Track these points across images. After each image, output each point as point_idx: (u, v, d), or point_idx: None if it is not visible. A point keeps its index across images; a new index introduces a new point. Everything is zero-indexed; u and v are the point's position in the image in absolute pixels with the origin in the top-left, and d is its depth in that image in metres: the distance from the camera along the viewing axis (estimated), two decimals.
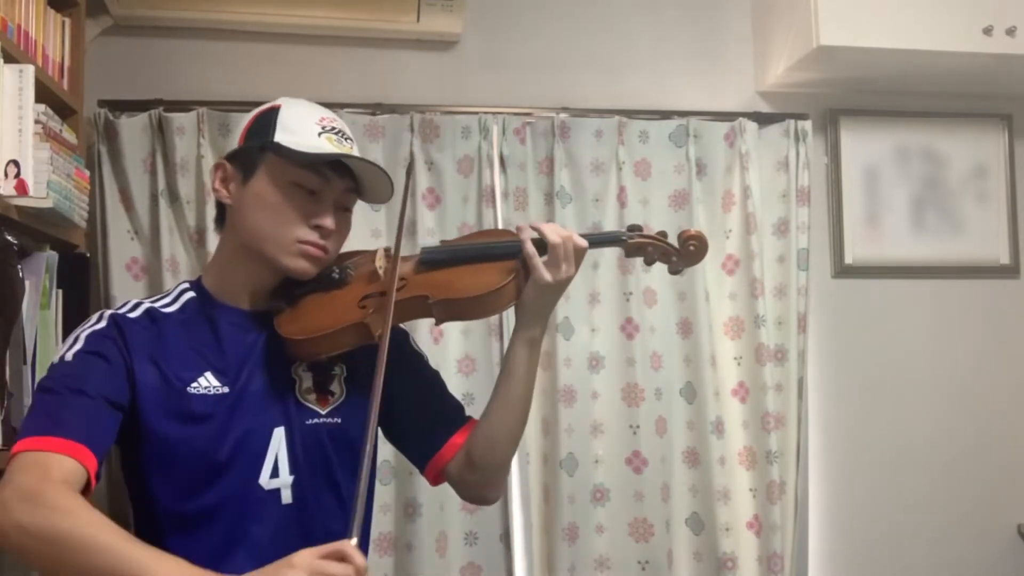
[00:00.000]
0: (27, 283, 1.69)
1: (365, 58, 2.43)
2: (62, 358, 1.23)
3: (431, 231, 2.29)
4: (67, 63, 2.00)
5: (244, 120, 1.36)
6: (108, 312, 1.29)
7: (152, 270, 2.25)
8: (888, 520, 2.56)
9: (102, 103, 2.23)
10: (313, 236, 1.29)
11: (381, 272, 1.35)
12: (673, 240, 1.41)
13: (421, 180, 2.32)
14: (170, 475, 1.23)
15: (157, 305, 1.32)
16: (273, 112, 1.32)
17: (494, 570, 2.28)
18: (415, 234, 2.28)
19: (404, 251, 1.37)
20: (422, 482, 2.18)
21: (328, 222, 1.29)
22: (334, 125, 1.33)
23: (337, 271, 1.34)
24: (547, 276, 1.31)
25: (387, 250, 1.41)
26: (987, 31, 2.29)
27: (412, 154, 2.31)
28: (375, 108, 2.34)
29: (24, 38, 1.78)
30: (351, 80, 2.40)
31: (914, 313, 2.62)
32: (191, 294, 1.35)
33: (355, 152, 1.33)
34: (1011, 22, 2.30)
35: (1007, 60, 2.35)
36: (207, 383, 1.26)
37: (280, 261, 1.29)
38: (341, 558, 1.03)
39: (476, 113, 2.36)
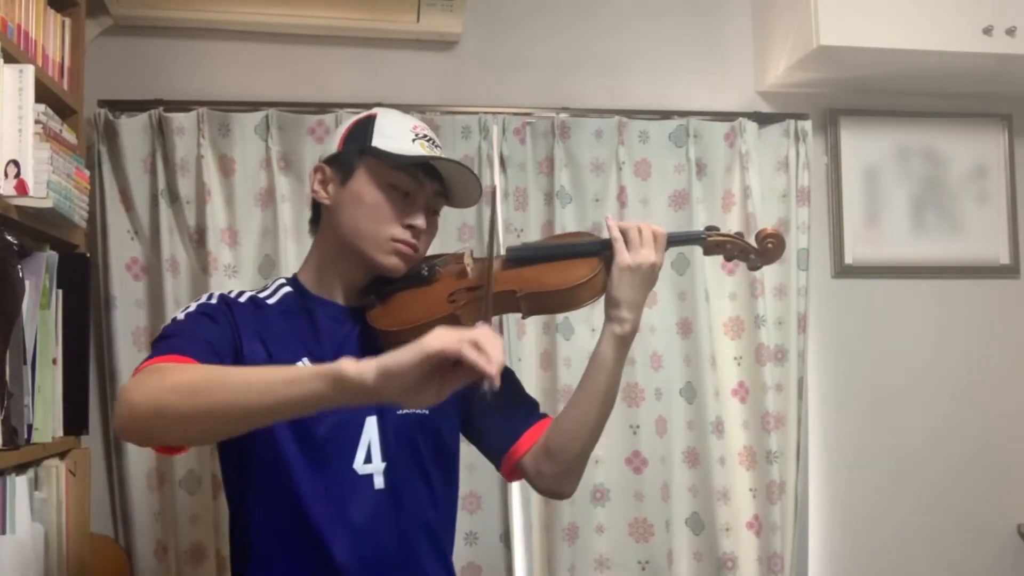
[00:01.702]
0: (27, 283, 1.69)
1: (365, 58, 2.43)
2: (175, 319, 1.33)
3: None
4: (67, 63, 1.99)
5: (341, 128, 1.46)
6: (218, 293, 1.40)
7: (152, 270, 2.25)
8: (888, 520, 2.56)
9: (102, 103, 2.23)
10: (406, 235, 1.39)
11: (469, 270, 1.44)
12: (751, 239, 1.49)
13: None
14: (271, 455, 1.30)
15: (260, 296, 1.43)
16: (371, 120, 1.43)
17: (494, 570, 2.28)
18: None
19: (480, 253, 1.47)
20: None
21: (420, 222, 1.40)
22: (426, 133, 1.44)
23: (426, 269, 1.44)
24: (627, 258, 1.37)
25: (471, 251, 1.50)
26: (987, 31, 2.29)
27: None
28: (375, 108, 2.33)
29: (24, 38, 1.77)
30: (351, 80, 2.40)
31: (914, 313, 2.62)
32: (288, 288, 1.45)
33: (442, 157, 1.43)
34: (1011, 22, 2.29)
35: (1007, 60, 2.35)
36: (305, 367, 1.32)
37: (374, 258, 1.39)
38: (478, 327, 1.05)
39: (476, 113, 2.36)
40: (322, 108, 2.30)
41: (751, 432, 2.40)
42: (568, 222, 2.35)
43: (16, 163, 1.63)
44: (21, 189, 1.63)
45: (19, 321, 1.66)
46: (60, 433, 1.84)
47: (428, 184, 1.41)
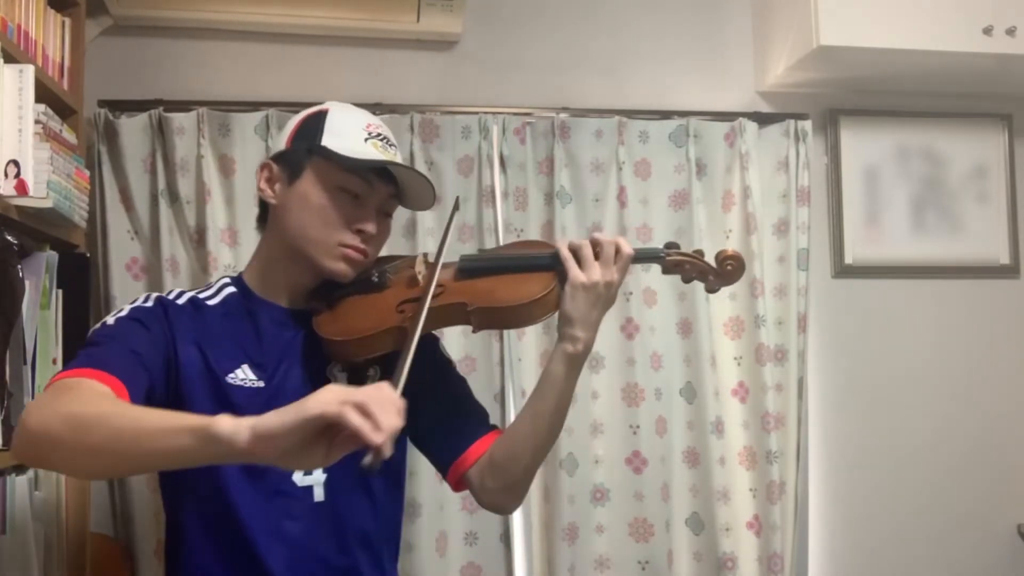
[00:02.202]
0: (27, 283, 1.69)
1: (365, 58, 2.43)
2: (104, 323, 1.26)
3: (431, 231, 2.28)
4: (67, 63, 1.99)
5: (291, 123, 1.38)
6: (155, 295, 1.34)
7: (152, 270, 2.25)
8: (888, 520, 2.56)
9: (102, 103, 2.23)
10: (355, 240, 1.32)
11: (420, 278, 1.37)
12: (710, 259, 1.41)
13: None
14: (206, 467, 1.22)
15: (200, 296, 1.36)
16: (321, 116, 1.35)
17: (494, 570, 2.28)
18: (415, 234, 2.28)
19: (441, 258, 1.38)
20: (422, 482, 2.20)
21: (370, 227, 1.33)
22: (380, 131, 1.36)
23: (376, 275, 1.37)
24: (580, 276, 1.31)
25: (425, 256, 1.44)
26: (987, 31, 2.29)
27: (412, 153, 2.31)
28: (375, 108, 2.33)
29: (24, 38, 1.77)
30: (351, 80, 2.40)
31: (914, 313, 2.62)
32: (232, 289, 1.39)
33: (399, 159, 1.37)
34: (1011, 22, 2.29)
35: (1007, 60, 2.35)
36: (244, 375, 1.29)
37: (321, 262, 1.32)
38: (375, 388, 0.98)
39: (476, 113, 2.36)
40: None
41: (751, 432, 2.40)
42: (568, 222, 2.35)
43: (16, 163, 1.63)
44: (21, 189, 1.63)
45: (19, 321, 1.66)
46: None
47: (380, 187, 1.34)
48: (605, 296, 1.33)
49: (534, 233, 2.37)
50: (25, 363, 1.69)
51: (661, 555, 2.31)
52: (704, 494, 2.36)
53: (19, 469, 1.68)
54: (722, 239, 2.43)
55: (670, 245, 1.43)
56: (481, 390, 2.25)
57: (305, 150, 1.33)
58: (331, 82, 2.39)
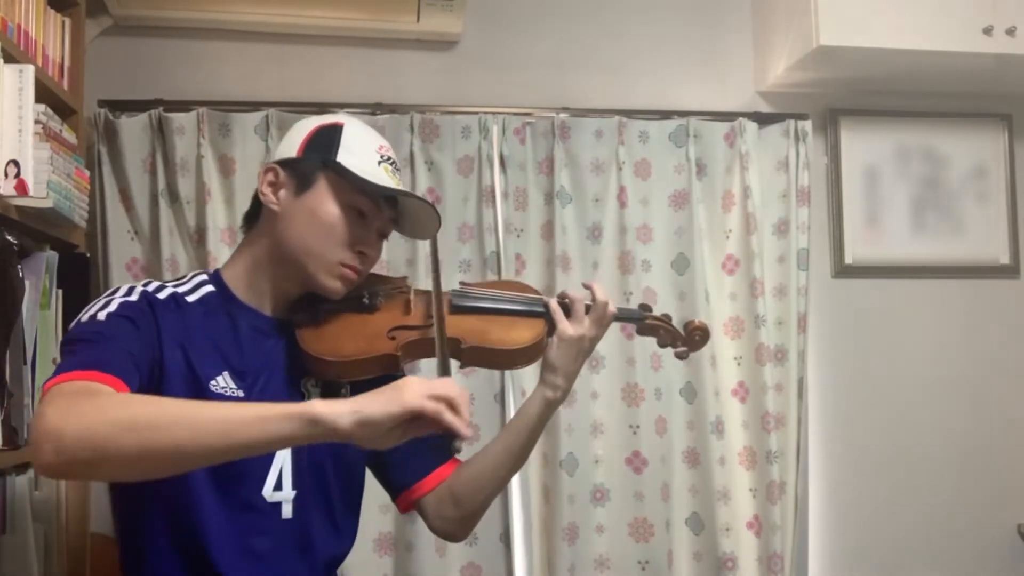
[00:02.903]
0: (27, 283, 1.69)
1: (365, 58, 2.43)
2: (92, 316, 1.21)
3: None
4: (67, 63, 1.99)
5: (299, 130, 1.35)
6: (138, 287, 1.27)
7: (152, 270, 2.25)
8: (888, 520, 2.56)
9: (102, 103, 2.23)
10: (355, 261, 1.30)
11: (413, 307, 1.37)
12: (678, 326, 1.52)
13: (421, 180, 2.32)
14: (176, 477, 1.19)
15: (179, 291, 1.30)
16: (336, 130, 1.33)
17: (494, 570, 2.28)
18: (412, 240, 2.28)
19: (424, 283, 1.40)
20: None
21: (373, 250, 1.33)
22: (390, 155, 1.36)
23: (367, 296, 1.35)
24: (570, 330, 1.36)
25: (407, 279, 1.44)
26: (987, 31, 2.29)
27: (412, 153, 2.31)
28: (375, 108, 2.34)
29: (24, 38, 1.77)
30: (351, 80, 2.40)
31: (914, 313, 2.62)
32: (210, 287, 1.33)
33: (403, 186, 1.36)
34: (1011, 22, 2.29)
35: (1007, 60, 2.35)
36: (225, 383, 1.25)
37: (316, 277, 1.30)
38: (446, 383, 1.07)
39: (476, 113, 2.36)
40: (322, 108, 2.29)
41: (751, 432, 2.40)
42: (568, 222, 2.35)
43: (16, 163, 1.63)
44: (21, 189, 1.63)
45: (19, 321, 1.66)
46: None
47: (386, 211, 1.33)
48: (588, 349, 1.39)
49: (534, 233, 2.37)
50: (25, 363, 1.69)
51: (661, 555, 2.31)
52: (704, 494, 2.36)
53: (19, 469, 1.69)
54: (722, 239, 2.44)
55: (644, 307, 1.53)
56: (481, 390, 2.25)
57: (320, 162, 1.30)
58: (331, 82, 2.39)
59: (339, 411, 1.00)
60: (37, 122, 1.70)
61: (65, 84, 1.98)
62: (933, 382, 2.61)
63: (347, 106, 2.29)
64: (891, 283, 2.62)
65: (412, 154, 2.31)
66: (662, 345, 1.53)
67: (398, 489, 1.43)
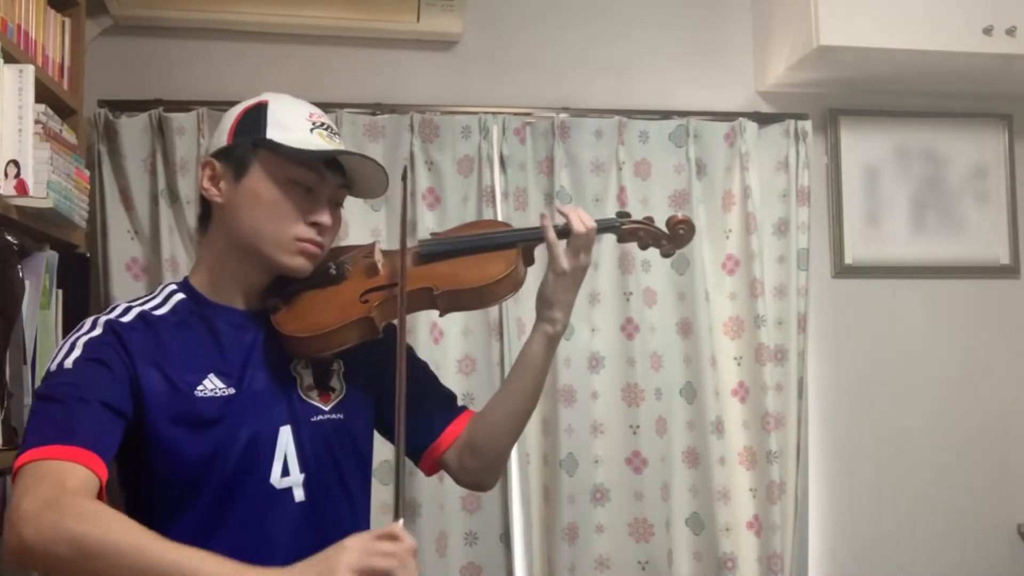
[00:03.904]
0: (27, 283, 1.69)
1: (365, 58, 2.43)
2: (60, 365, 1.18)
3: (431, 231, 2.28)
4: (67, 63, 2.00)
5: (228, 117, 1.33)
6: (102, 318, 1.24)
7: (152, 270, 2.25)
8: (888, 520, 2.56)
9: (102, 103, 2.23)
10: (311, 233, 1.28)
11: (380, 266, 1.34)
12: (661, 225, 1.46)
13: (421, 180, 2.32)
14: (180, 482, 1.21)
15: (147, 308, 1.28)
16: (261, 108, 1.31)
17: (494, 570, 2.28)
18: (415, 234, 2.28)
19: (397, 245, 1.35)
20: (422, 482, 2.19)
21: (325, 218, 1.29)
22: (323, 120, 1.32)
23: (334, 267, 1.34)
24: (565, 263, 1.33)
25: (378, 243, 1.41)
26: (987, 31, 2.29)
27: (412, 153, 2.31)
28: (375, 108, 2.34)
29: (24, 38, 1.78)
30: (351, 80, 2.40)
31: (914, 313, 2.62)
32: (181, 296, 1.31)
33: (343, 147, 1.33)
34: (1011, 22, 2.29)
35: (1007, 60, 2.35)
36: (212, 385, 1.24)
37: (277, 259, 1.28)
38: (392, 538, 1.04)
39: (476, 113, 2.36)
40: (322, 108, 2.29)
41: (751, 432, 2.40)
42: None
43: (16, 163, 1.63)
44: (21, 189, 1.63)
45: (19, 321, 1.66)
46: None
47: (330, 177, 1.30)
48: (581, 277, 1.37)
49: None
50: (25, 363, 1.69)
51: (661, 555, 2.31)
52: (704, 494, 2.36)
53: None
54: (722, 239, 2.44)
55: (622, 214, 1.47)
56: (481, 389, 2.25)
57: (250, 144, 1.28)
58: (331, 82, 2.39)
59: None
60: (37, 122, 1.70)
61: (65, 84, 1.98)
62: (933, 382, 2.61)
63: (347, 106, 2.29)
64: (891, 283, 2.62)
65: (412, 154, 2.31)
66: (643, 247, 1.47)
67: (418, 451, 1.41)
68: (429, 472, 1.44)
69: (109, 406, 1.16)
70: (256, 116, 1.30)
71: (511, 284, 1.34)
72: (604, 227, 1.45)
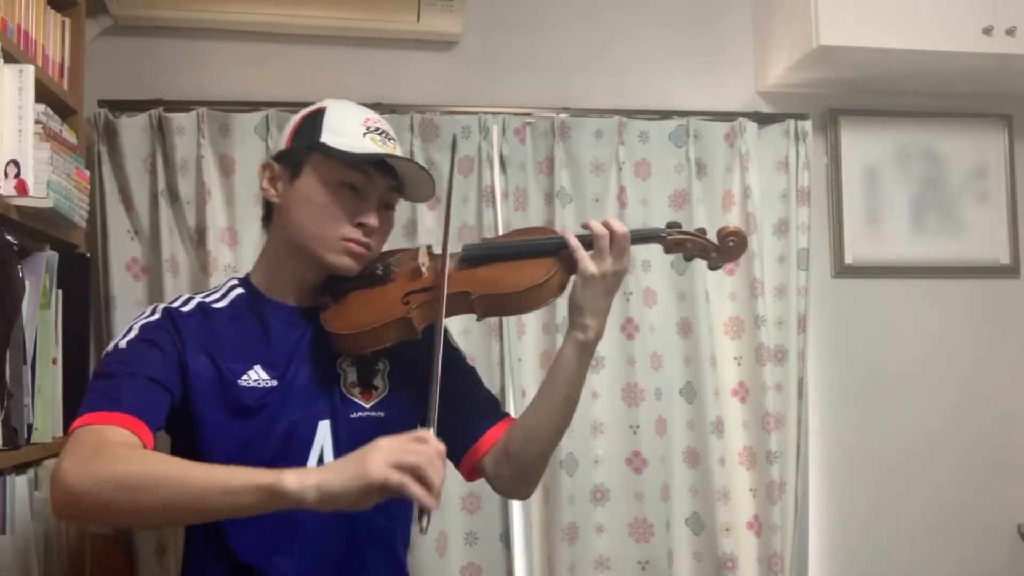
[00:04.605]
0: (27, 283, 1.69)
1: (365, 58, 2.43)
2: (116, 346, 1.27)
3: (431, 231, 2.29)
4: (67, 63, 2.00)
5: (291, 122, 1.40)
6: (162, 305, 1.34)
7: (152, 270, 2.25)
8: (888, 520, 2.56)
9: (102, 103, 2.23)
10: (357, 234, 1.34)
11: (424, 269, 1.38)
12: (712, 236, 1.42)
13: None
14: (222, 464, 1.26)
15: (208, 300, 1.37)
16: (319, 114, 1.37)
17: (494, 570, 2.28)
18: (415, 234, 2.28)
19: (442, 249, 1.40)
20: None
21: (372, 220, 1.34)
22: (378, 125, 1.38)
23: (381, 268, 1.39)
24: (592, 267, 1.32)
25: (429, 248, 1.45)
26: (987, 31, 2.29)
27: (412, 153, 2.31)
28: (375, 108, 2.28)
29: (24, 38, 1.78)
30: (351, 80, 2.40)
31: (914, 313, 2.62)
32: (240, 290, 1.40)
33: (398, 152, 1.38)
34: (1011, 22, 2.29)
35: (1007, 60, 2.35)
36: (257, 376, 1.31)
37: (325, 258, 1.34)
38: (420, 440, 1.07)
39: (476, 113, 2.36)
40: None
41: (751, 432, 2.40)
42: (568, 222, 2.35)
43: (16, 163, 1.63)
44: (21, 189, 1.63)
45: (19, 321, 1.66)
46: (60, 433, 1.84)
47: (380, 180, 1.35)
48: (614, 284, 1.35)
49: None
50: (25, 363, 1.69)
51: (661, 555, 2.31)
52: (704, 494, 2.36)
53: (19, 469, 1.69)
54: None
55: (671, 225, 1.44)
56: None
57: (305, 148, 1.35)
58: (331, 82, 2.39)
59: (305, 485, 1.02)
60: (37, 122, 1.70)
61: (65, 84, 1.98)
62: (933, 382, 2.61)
63: None
64: (891, 283, 2.62)
65: (412, 154, 2.31)
66: (688, 258, 1.44)
67: (458, 455, 1.43)
68: (469, 477, 1.45)
69: (155, 380, 1.23)
70: (313, 121, 1.37)
71: (549, 291, 1.35)
72: (649, 237, 1.45)
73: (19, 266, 1.67)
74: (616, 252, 1.33)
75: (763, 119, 2.49)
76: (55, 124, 1.79)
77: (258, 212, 2.24)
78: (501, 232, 2.36)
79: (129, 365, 1.24)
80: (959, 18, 2.29)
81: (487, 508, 2.27)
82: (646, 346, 2.35)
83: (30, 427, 1.72)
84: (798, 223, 2.45)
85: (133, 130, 2.22)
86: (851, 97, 2.62)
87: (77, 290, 1.92)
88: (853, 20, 2.26)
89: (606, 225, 1.35)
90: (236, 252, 2.25)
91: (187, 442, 1.29)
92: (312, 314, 1.36)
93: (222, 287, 1.42)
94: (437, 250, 1.42)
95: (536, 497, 2.33)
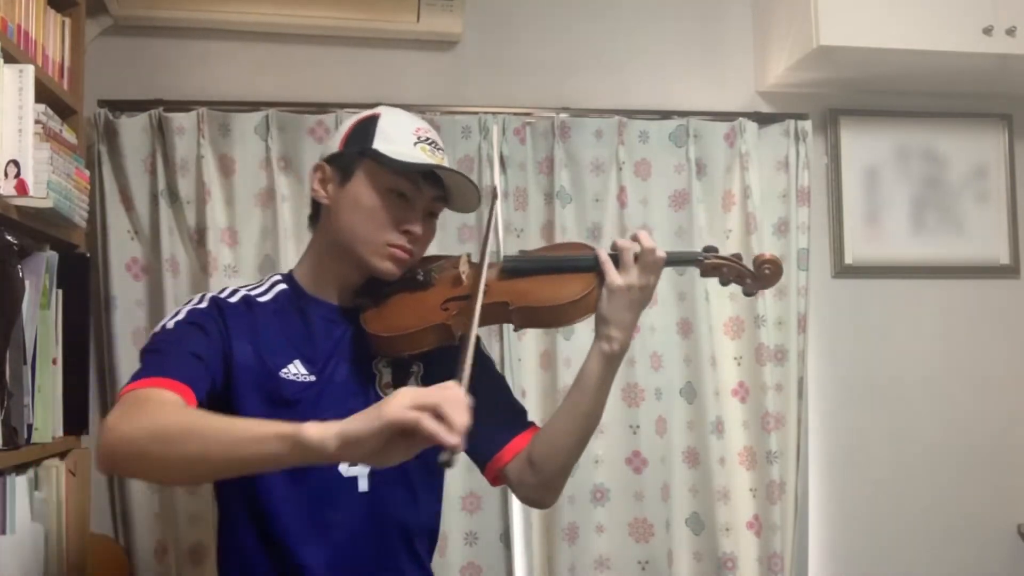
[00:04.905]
0: (27, 283, 1.69)
1: (365, 58, 2.43)
2: (163, 327, 1.32)
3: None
4: (67, 63, 1.99)
5: (344, 126, 1.44)
6: (209, 295, 1.39)
7: (152, 270, 2.25)
8: (888, 520, 2.56)
9: (102, 103, 2.23)
10: (402, 240, 1.38)
11: (464, 278, 1.42)
12: (748, 262, 1.45)
13: None
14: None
15: (252, 293, 1.42)
16: (373, 120, 1.41)
17: (494, 570, 2.28)
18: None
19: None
20: None
21: (417, 228, 1.39)
22: (428, 136, 1.42)
23: (422, 274, 1.42)
24: (618, 280, 1.36)
25: (469, 256, 1.48)
26: (987, 31, 2.29)
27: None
28: (375, 108, 2.33)
29: (24, 38, 1.77)
30: (351, 80, 2.40)
31: (914, 313, 2.62)
32: (283, 286, 1.45)
33: (446, 162, 1.42)
34: (1011, 22, 2.29)
35: (1007, 60, 2.35)
36: (296, 370, 1.35)
37: (369, 261, 1.38)
38: (443, 388, 1.05)
39: (476, 113, 2.36)
40: (322, 108, 2.30)
41: (751, 432, 2.40)
42: (568, 222, 2.35)
43: (16, 163, 1.63)
44: (21, 189, 1.63)
45: (19, 321, 1.66)
46: (60, 433, 1.84)
47: (427, 190, 1.40)
48: (640, 299, 1.38)
49: (534, 233, 2.37)
50: (25, 363, 1.69)
51: (661, 555, 2.31)
52: (704, 494, 2.36)
53: (19, 469, 1.69)
54: (722, 239, 2.43)
55: (708, 249, 1.47)
56: None
57: (357, 153, 1.39)
58: (331, 82, 2.39)
59: (326, 433, 1.01)
60: (37, 122, 1.69)
61: (65, 84, 1.98)
62: (933, 382, 2.61)
63: (347, 106, 2.29)
64: (891, 283, 2.62)
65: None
66: (724, 283, 1.46)
67: (482, 462, 1.48)
68: (493, 483, 1.49)
69: (199, 357, 1.27)
70: (367, 127, 1.41)
71: (585, 306, 1.39)
72: (687, 260, 1.50)
73: (19, 266, 1.67)
74: (642, 267, 1.36)
75: (763, 119, 2.49)
76: (55, 124, 1.79)
77: (258, 212, 2.28)
78: (501, 232, 2.36)
79: (176, 343, 1.28)
80: (959, 18, 2.29)
81: (487, 508, 2.27)
82: (646, 346, 2.35)
83: (30, 427, 1.72)
84: (798, 223, 2.45)
85: (133, 130, 2.22)
86: (851, 97, 2.62)
87: (77, 290, 1.92)
88: (853, 20, 2.26)
89: (636, 239, 1.38)
90: (236, 252, 2.25)
91: None
92: (352, 314, 1.40)
93: (265, 282, 1.46)
94: (476, 259, 1.46)
95: None
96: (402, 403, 1.00)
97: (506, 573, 2.29)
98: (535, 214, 2.38)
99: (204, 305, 1.36)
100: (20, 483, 1.66)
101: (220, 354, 1.31)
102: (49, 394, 1.79)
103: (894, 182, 2.63)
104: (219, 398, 1.30)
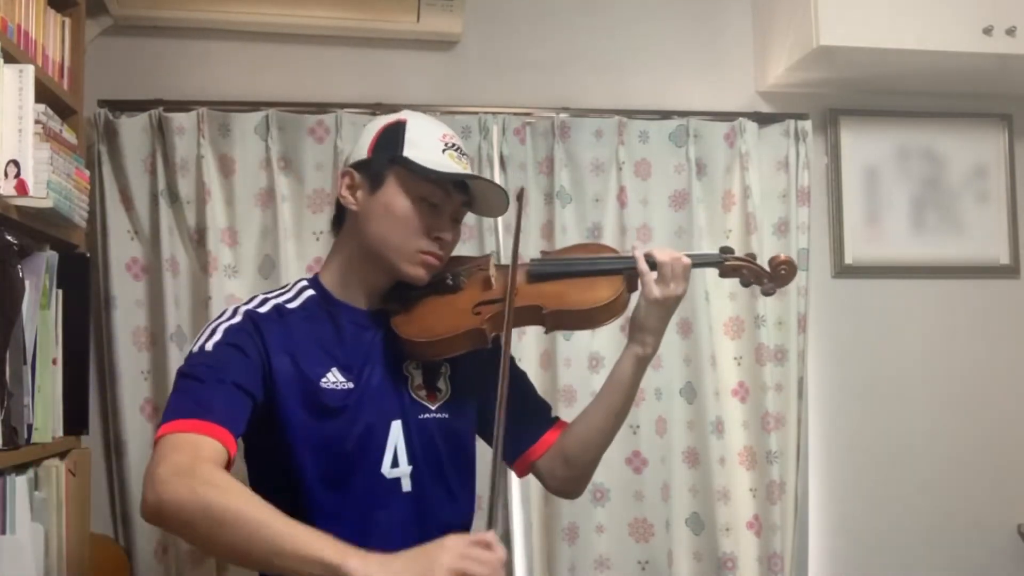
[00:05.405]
0: (27, 283, 1.69)
1: (365, 58, 2.43)
2: (202, 348, 1.32)
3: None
4: (67, 63, 1.99)
5: (368, 132, 1.45)
6: (242, 308, 1.39)
7: (152, 270, 2.25)
8: (888, 520, 2.56)
9: (102, 103, 2.23)
10: (433, 247, 1.40)
11: (494, 281, 1.45)
12: (763, 263, 1.51)
13: None
14: (305, 464, 1.32)
15: (281, 301, 1.43)
16: (400, 127, 1.42)
17: None
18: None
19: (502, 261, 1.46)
20: None
21: (448, 235, 1.42)
22: (454, 142, 1.44)
23: (451, 277, 1.45)
24: (656, 292, 1.42)
25: (491, 256, 1.52)
26: (987, 31, 2.28)
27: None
28: (375, 108, 2.34)
29: (24, 38, 1.77)
30: (351, 80, 2.40)
31: (914, 313, 2.62)
32: (311, 292, 1.45)
33: (470, 168, 1.45)
34: (1011, 22, 2.29)
35: (1007, 60, 2.35)
36: (335, 378, 1.36)
37: (400, 267, 1.40)
38: (487, 546, 1.12)
39: (476, 113, 2.36)
40: (322, 108, 2.30)
41: (751, 432, 2.40)
42: (568, 222, 2.35)
43: (16, 163, 1.63)
44: (21, 189, 1.63)
45: (19, 321, 1.66)
46: (60, 433, 1.84)
47: (456, 196, 1.43)
48: (674, 306, 1.46)
49: (534, 233, 2.37)
50: (25, 363, 1.69)
51: (661, 555, 2.31)
52: (704, 494, 2.36)
53: (19, 469, 1.69)
54: (722, 239, 2.43)
55: (725, 250, 1.52)
56: None
57: (387, 160, 1.40)
58: (331, 82, 2.39)
59: (368, 570, 1.06)
60: (37, 122, 1.69)
61: (65, 84, 1.97)
62: (933, 382, 2.61)
63: (347, 106, 2.29)
64: (891, 283, 2.62)
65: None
66: (745, 284, 1.53)
67: (513, 456, 1.53)
68: (520, 474, 1.57)
69: (242, 388, 1.28)
70: (395, 134, 1.42)
71: (615, 309, 1.43)
72: (707, 262, 1.54)
73: (19, 266, 1.67)
74: (678, 278, 1.43)
75: (763, 119, 2.49)
76: (55, 124, 1.79)
77: (258, 212, 2.28)
78: (501, 232, 2.36)
79: (217, 371, 1.28)
80: (959, 18, 2.29)
81: (486, 509, 2.27)
82: None
83: (30, 427, 1.72)
84: (798, 223, 2.45)
85: (133, 130, 2.22)
86: (851, 97, 2.62)
87: (77, 290, 1.92)
88: (853, 20, 2.26)
89: (668, 254, 1.44)
90: (236, 252, 2.25)
91: (270, 441, 1.33)
92: (380, 317, 1.43)
93: (292, 287, 1.47)
94: (500, 259, 1.48)
95: (536, 497, 2.33)
96: (450, 567, 1.06)
97: (506, 573, 2.28)
98: (535, 214, 2.38)
99: (238, 320, 1.36)
100: (20, 483, 1.66)
101: (260, 372, 1.32)
102: (49, 394, 1.79)
103: (894, 182, 2.63)
104: (261, 411, 1.31)
